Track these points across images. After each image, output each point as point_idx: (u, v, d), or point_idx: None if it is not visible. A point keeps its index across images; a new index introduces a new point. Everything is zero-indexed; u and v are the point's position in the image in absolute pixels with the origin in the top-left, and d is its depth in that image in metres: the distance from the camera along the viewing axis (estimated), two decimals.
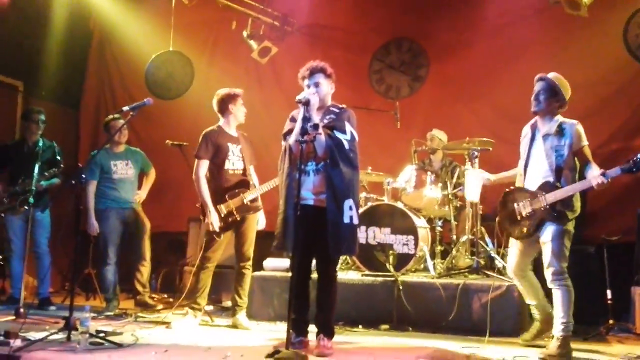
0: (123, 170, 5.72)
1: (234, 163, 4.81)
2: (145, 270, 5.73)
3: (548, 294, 4.05)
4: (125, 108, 4.48)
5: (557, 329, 3.86)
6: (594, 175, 3.71)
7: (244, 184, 4.82)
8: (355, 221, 3.85)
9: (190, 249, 6.53)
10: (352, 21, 7.33)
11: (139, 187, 5.89)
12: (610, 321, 4.80)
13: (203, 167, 4.74)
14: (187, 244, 6.64)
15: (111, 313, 5.35)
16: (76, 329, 3.81)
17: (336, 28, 7.44)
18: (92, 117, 8.15)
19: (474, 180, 4.51)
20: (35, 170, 5.21)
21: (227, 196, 4.73)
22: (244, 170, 4.85)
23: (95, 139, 7.99)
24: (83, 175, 4.35)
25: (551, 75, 4.00)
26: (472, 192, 4.59)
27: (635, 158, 3.64)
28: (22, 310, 4.86)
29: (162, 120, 7.50)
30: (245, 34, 7.10)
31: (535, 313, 4.23)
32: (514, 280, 4.27)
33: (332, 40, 7.42)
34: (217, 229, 4.68)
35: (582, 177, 3.87)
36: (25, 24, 7.08)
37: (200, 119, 7.25)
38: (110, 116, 5.73)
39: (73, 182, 4.30)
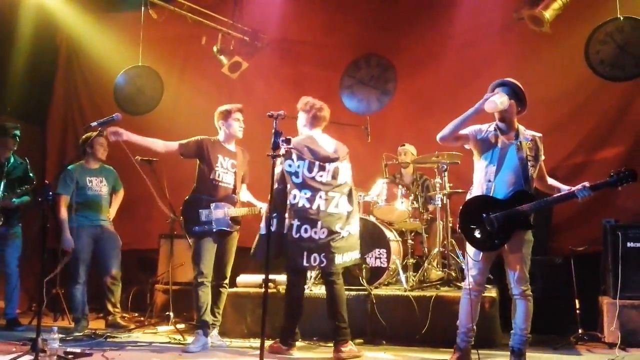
0: (97, 186, 5.63)
1: (220, 174, 4.77)
2: (116, 289, 5.63)
3: None
4: (94, 124, 4.45)
5: (521, 342, 3.83)
6: (581, 187, 3.68)
7: (229, 199, 4.79)
8: None
9: (161, 267, 6.44)
10: (322, 37, 7.39)
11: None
12: (580, 330, 4.90)
13: (169, 144, 4.75)
14: (158, 261, 6.54)
15: (80, 334, 5.21)
16: (44, 351, 3.71)
17: (307, 43, 7.49)
18: (59, 133, 8.02)
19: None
20: (0, 187, 5.09)
21: (212, 205, 4.70)
22: (234, 186, 4.84)
23: (63, 155, 7.86)
24: (50, 193, 4.27)
25: (511, 80, 3.96)
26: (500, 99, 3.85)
27: (619, 172, 3.63)
28: None
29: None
30: (215, 49, 7.08)
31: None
32: (468, 296, 3.97)
33: (302, 55, 7.47)
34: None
35: (536, 188, 3.94)
36: None
37: (170, 134, 7.13)
38: (94, 133, 5.53)
39: (40, 199, 4.21)
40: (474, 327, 3.97)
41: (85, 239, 5.47)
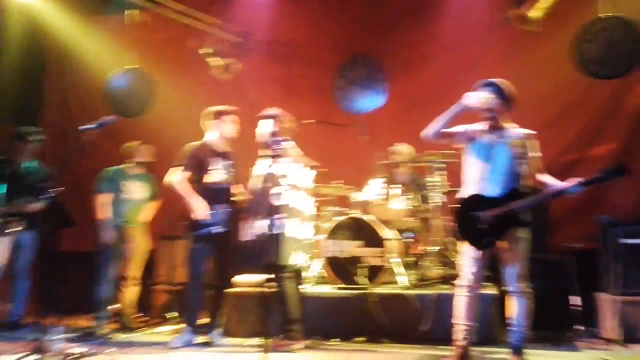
0: (135, 191, 5.79)
1: (216, 177, 4.81)
2: (136, 290, 5.77)
3: None
4: (90, 126, 4.41)
5: (521, 339, 3.87)
6: (571, 183, 3.72)
7: (227, 200, 4.82)
8: None
9: (161, 268, 6.41)
10: (313, 38, 7.39)
11: None
12: (578, 327, 4.94)
13: (180, 176, 4.80)
14: (157, 262, 6.50)
15: (105, 332, 5.28)
16: (49, 351, 3.72)
17: (297, 45, 7.48)
18: (50, 136, 7.85)
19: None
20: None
21: (211, 207, 4.70)
22: (230, 187, 4.88)
23: (55, 158, 7.73)
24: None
25: (497, 80, 4.01)
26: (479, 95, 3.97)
27: (608, 167, 3.66)
28: None
29: (123, 138, 7.31)
30: (204, 51, 7.07)
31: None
32: (467, 293, 4.01)
33: (293, 56, 7.46)
34: (207, 216, 4.68)
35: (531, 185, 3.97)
36: None
37: (162, 136, 7.18)
38: (136, 142, 5.86)
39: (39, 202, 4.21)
40: (473, 324, 4.00)
41: (118, 240, 5.61)
